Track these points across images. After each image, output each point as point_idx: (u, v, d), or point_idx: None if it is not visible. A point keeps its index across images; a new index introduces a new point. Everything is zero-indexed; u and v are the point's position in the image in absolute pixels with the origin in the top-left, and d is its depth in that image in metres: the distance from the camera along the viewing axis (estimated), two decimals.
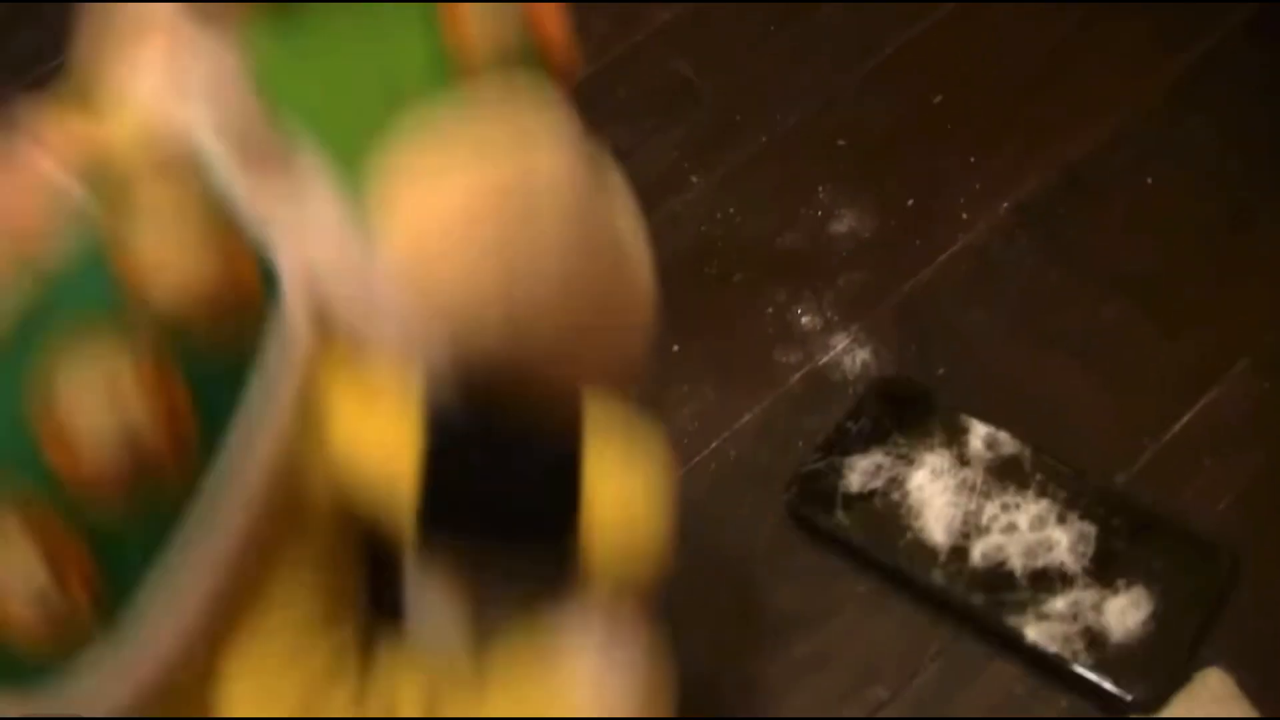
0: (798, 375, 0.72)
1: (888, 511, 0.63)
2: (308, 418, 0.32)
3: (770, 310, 0.75)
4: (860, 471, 0.65)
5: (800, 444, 0.68)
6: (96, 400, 0.28)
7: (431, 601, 0.36)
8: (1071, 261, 0.74)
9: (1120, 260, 0.74)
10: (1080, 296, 0.73)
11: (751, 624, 0.63)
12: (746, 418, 0.70)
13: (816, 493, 0.64)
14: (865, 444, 0.66)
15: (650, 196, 0.82)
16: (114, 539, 0.28)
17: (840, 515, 0.64)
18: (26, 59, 1.01)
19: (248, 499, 0.31)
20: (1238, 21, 0.85)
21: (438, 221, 0.31)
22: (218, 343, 0.30)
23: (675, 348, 0.74)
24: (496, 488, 0.34)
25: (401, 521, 0.33)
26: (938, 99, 0.84)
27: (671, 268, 0.77)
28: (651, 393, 0.71)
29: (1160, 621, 0.58)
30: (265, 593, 0.31)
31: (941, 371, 0.70)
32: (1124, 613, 0.59)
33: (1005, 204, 0.78)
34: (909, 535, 0.62)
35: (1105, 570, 0.60)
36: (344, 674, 0.34)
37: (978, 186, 0.79)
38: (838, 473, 0.65)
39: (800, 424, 0.69)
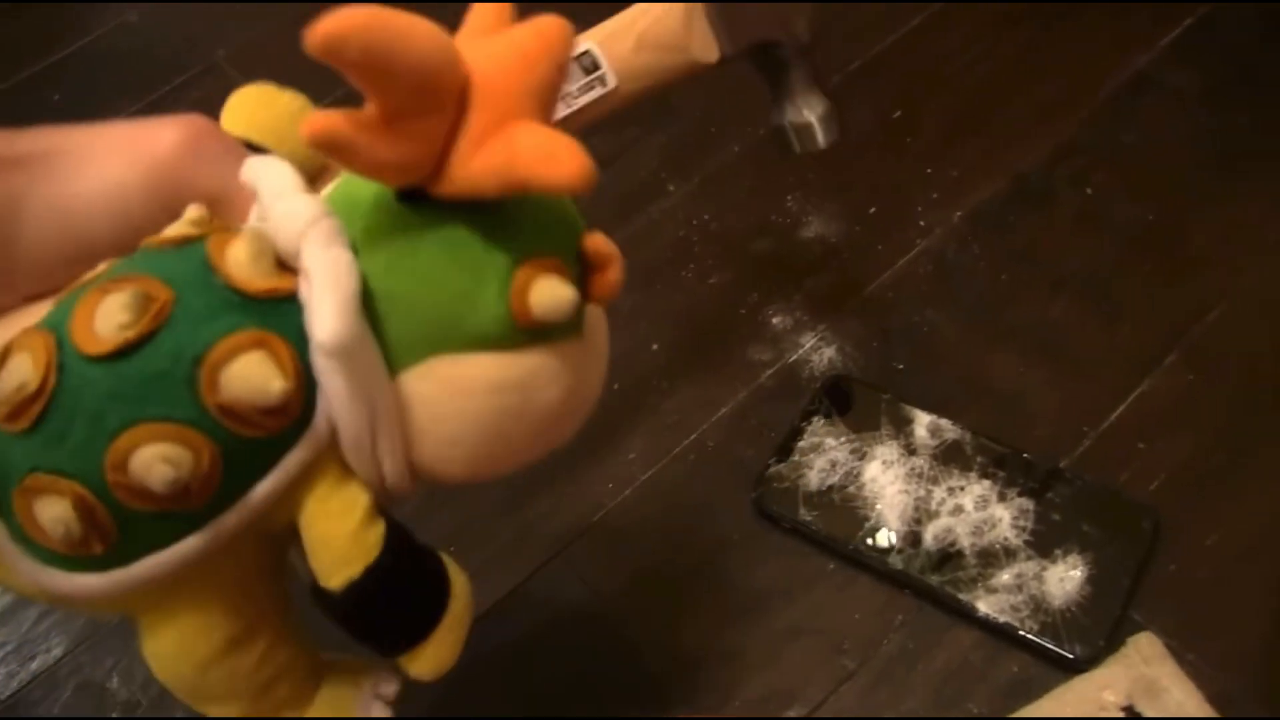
0: (770, 372, 0.77)
1: (846, 505, 0.69)
2: (294, 493, 0.42)
3: (744, 311, 0.80)
4: (818, 469, 0.70)
5: (772, 435, 0.73)
6: (156, 463, 0.38)
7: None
8: (1020, 264, 0.80)
9: (1064, 263, 0.80)
10: (1028, 297, 0.78)
11: (729, 601, 0.68)
12: (723, 411, 0.75)
13: (780, 493, 0.70)
14: (819, 442, 0.71)
15: (631, 203, 0.88)
16: (137, 524, 0.39)
17: (803, 512, 0.69)
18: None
19: (233, 530, 0.41)
20: (1168, 42, 0.91)
21: (449, 390, 0.41)
22: (252, 440, 0.40)
23: (654, 346, 0.79)
24: (386, 614, 0.44)
25: (313, 577, 0.43)
26: (897, 114, 0.90)
27: (651, 271, 0.83)
28: (634, 388, 0.77)
29: (1095, 584, 0.64)
30: (218, 567, 0.42)
31: (901, 367, 0.76)
32: (1062, 579, 0.65)
33: (959, 212, 0.83)
34: (867, 526, 0.68)
35: (1044, 541, 0.66)
36: (259, 636, 0.45)
37: (934, 195, 0.84)
38: (797, 472, 0.70)
39: (773, 416, 0.74)
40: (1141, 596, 0.64)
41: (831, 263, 0.82)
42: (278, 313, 0.39)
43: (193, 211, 0.42)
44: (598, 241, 0.42)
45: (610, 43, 0.60)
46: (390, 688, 0.48)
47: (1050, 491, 0.68)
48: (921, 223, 0.83)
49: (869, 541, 0.67)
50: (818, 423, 0.72)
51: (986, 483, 0.68)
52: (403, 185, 0.40)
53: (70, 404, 0.38)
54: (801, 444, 0.71)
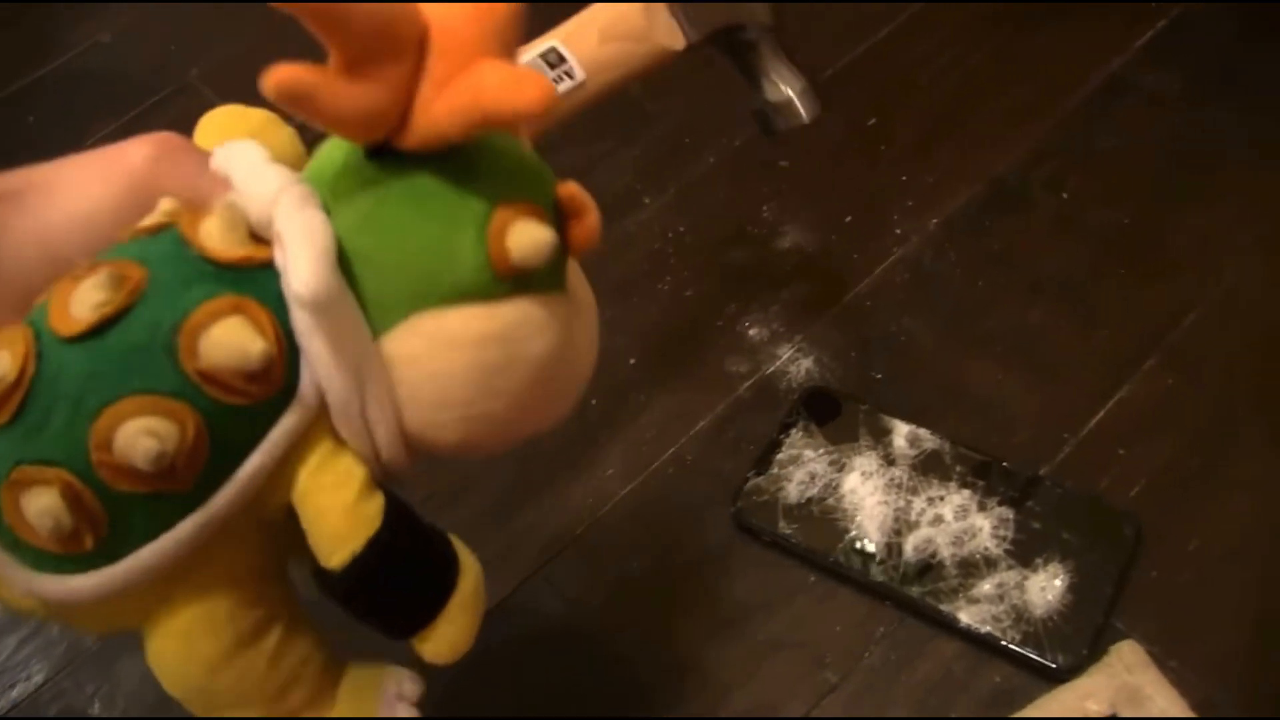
0: (747, 384, 0.76)
1: (825, 517, 0.68)
2: (286, 468, 0.41)
3: (720, 323, 0.80)
4: (796, 482, 0.70)
5: (751, 448, 0.72)
6: (141, 437, 0.37)
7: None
8: (997, 270, 0.80)
9: (1041, 268, 0.79)
10: (1005, 302, 0.78)
11: (710, 615, 0.67)
12: (701, 424, 0.75)
13: (759, 506, 0.69)
14: (798, 455, 0.71)
15: (606, 216, 0.86)
16: (126, 510, 0.39)
17: (783, 525, 0.68)
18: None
19: (226, 511, 0.40)
20: (1143, 44, 0.91)
21: (435, 347, 0.40)
22: (238, 409, 0.39)
23: (631, 360, 0.79)
24: (392, 592, 0.43)
25: (315, 562, 0.42)
26: (871, 121, 0.90)
27: (627, 285, 0.83)
28: (611, 403, 0.76)
29: (1077, 592, 0.64)
30: (218, 558, 0.42)
31: (879, 376, 0.76)
32: (1044, 588, 0.64)
33: (935, 218, 0.83)
34: (847, 538, 0.67)
35: (1024, 550, 0.66)
36: (269, 633, 0.44)
37: (910, 202, 0.84)
38: (776, 485, 0.70)
39: (751, 429, 0.74)
40: (1124, 604, 0.64)
41: (808, 273, 0.82)
42: (254, 280, 0.39)
43: (165, 204, 0.42)
44: (571, 189, 0.42)
45: (574, 38, 0.61)
46: (414, 687, 0.47)
47: (1030, 499, 0.67)
48: (898, 230, 0.83)
49: (849, 553, 0.67)
50: (796, 435, 0.72)
51: (966, 492, 0.68)
52: (370, 139, 0.40)
53: (50, 390, 0.38)
54: (780, 456, 0.71)
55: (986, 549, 0.66)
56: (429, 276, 0.39)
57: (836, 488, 0.69)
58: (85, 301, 0.38)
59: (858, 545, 0.67)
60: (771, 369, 0.77)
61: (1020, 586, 0.64)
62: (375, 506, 0.41)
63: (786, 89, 0.66)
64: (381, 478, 0.42)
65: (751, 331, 0.79)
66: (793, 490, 0.69)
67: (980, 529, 0.67)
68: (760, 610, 0.67)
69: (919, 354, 0.76)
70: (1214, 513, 0.67)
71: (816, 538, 0.68)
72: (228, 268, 0.39)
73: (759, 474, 0.70)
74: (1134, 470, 0.69)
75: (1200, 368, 0.73)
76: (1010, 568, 0.65)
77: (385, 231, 0.40)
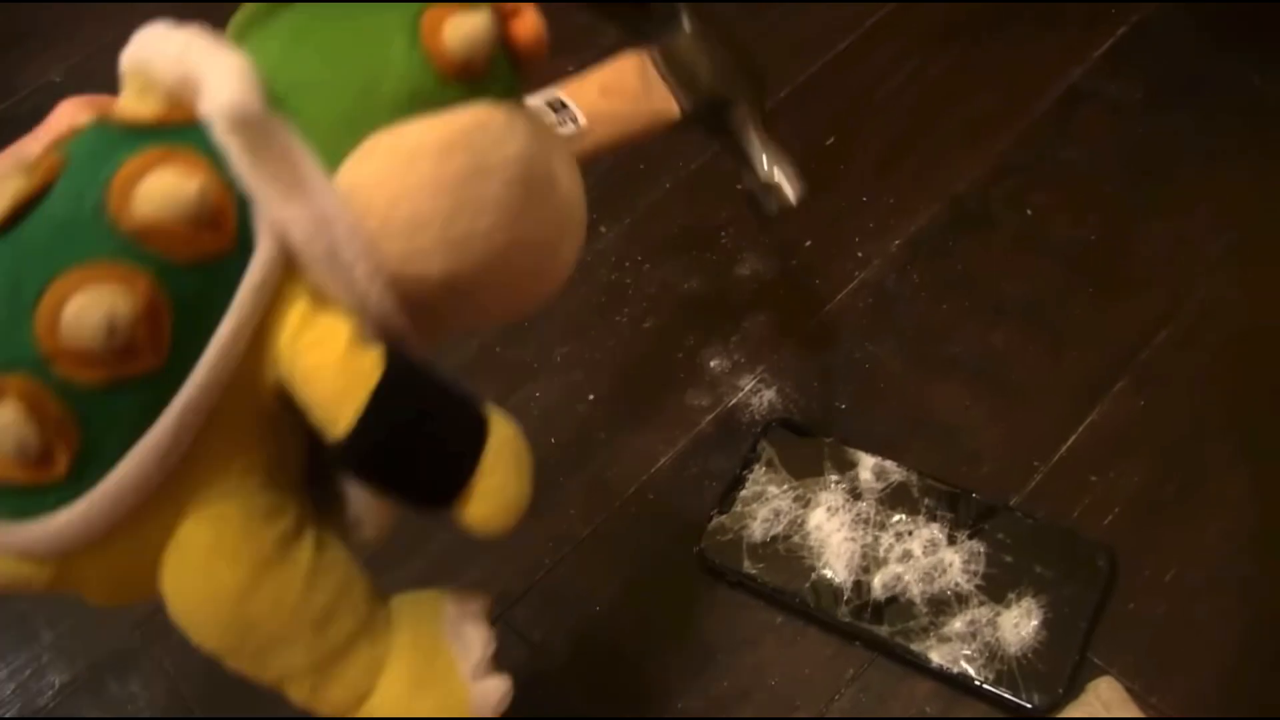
0: (709, 418, 0.74)
1: (791, 555, 0.66)
2: (266, 336, 0.38)
3: (680, 355, 0.78)
4: (761, 520, 0.68)
5: (714, 484, 0.70)
6: (86, 309, 0.34)
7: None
8: (961, 291, 0.78)
9: (1006, 287, 0.77)
10: (970, 326, 0.76)
11: (677, 658, 0.65)
12: (662, 461, 0.73)
13: (723, 545, 0.67)
14: (761, 491, 0.69)
15: None
16: (96, 407, 0.36)
17: (748, 564, 0.66)
18: None
19: (207, 391, 0.37)
20: (1102, 53, 0.89)
21: (396, 163, 0.38)
22: (194, 268, 0.36)
23: (591, 397, 0.76)
24: (414, 448, 0.39)
25: (330, 440, 0.39)
26: (830, 141, 0.88)
27: (583, 317, 0.80)
28: (572, 442, 0.74)
29: (1051, 627, 0.62)
30: (216, 467, 0.38)
31: (843, 406, 0.73)
32: (1017, 625, 0.62)
33: (897, 240, 0.81)
34: (814, 576, 0.65)
35: (996, 585, 0.63)
36: (298, 550, 0.40)
37: (871, 224, 0.82)
38: (740, 523, 0.68)
39: (713, 465, 0.72)
40: (1100, 638, 0.62)
41: (768, 300, 0.80)
42: (183, 135, 0.37)
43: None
44: None
45: (575, 90, 0.61)
46: (477, 602, 0.44)
47: (1001, 532, 0.65)
48: (859, 254, 0.81)
49: (816, 593, 0.65)
50: (759, 470, 0.70)
51: (935, 526, 0.66)
52: None
53: None
54: (743, 493, 0.69)
55: (957, 585, 0.64)
56: (370, 91, 0.38)
57: (802, 525, 0.67)
58: (4, 197, 0.36)
59: (825, 584, 0.65)
60: (733, 401, 0.75)
61: (993, 623, 0.62)
62: (371, 358, 0.38)
63: (776, 171, 0.65)
64: (380, 336, 0.39)
65: (712, 363, 0.77)
66: (757, 528, 0.67)
67: (950, 564, 0.64)
68: (727, 653, 0.65)
69: (884, 381, 0.74)
70: (1190, 539, 0.65)
71: (782, 577, 0.65)
72: (151, 130, 0.37)
73: (722, 512, 0.68)
74: (1107, 497, 0.67)
75: (1172, 387, 0.71)
76: (982, 604, 0.63)
77: (315, 56, 0.38)
